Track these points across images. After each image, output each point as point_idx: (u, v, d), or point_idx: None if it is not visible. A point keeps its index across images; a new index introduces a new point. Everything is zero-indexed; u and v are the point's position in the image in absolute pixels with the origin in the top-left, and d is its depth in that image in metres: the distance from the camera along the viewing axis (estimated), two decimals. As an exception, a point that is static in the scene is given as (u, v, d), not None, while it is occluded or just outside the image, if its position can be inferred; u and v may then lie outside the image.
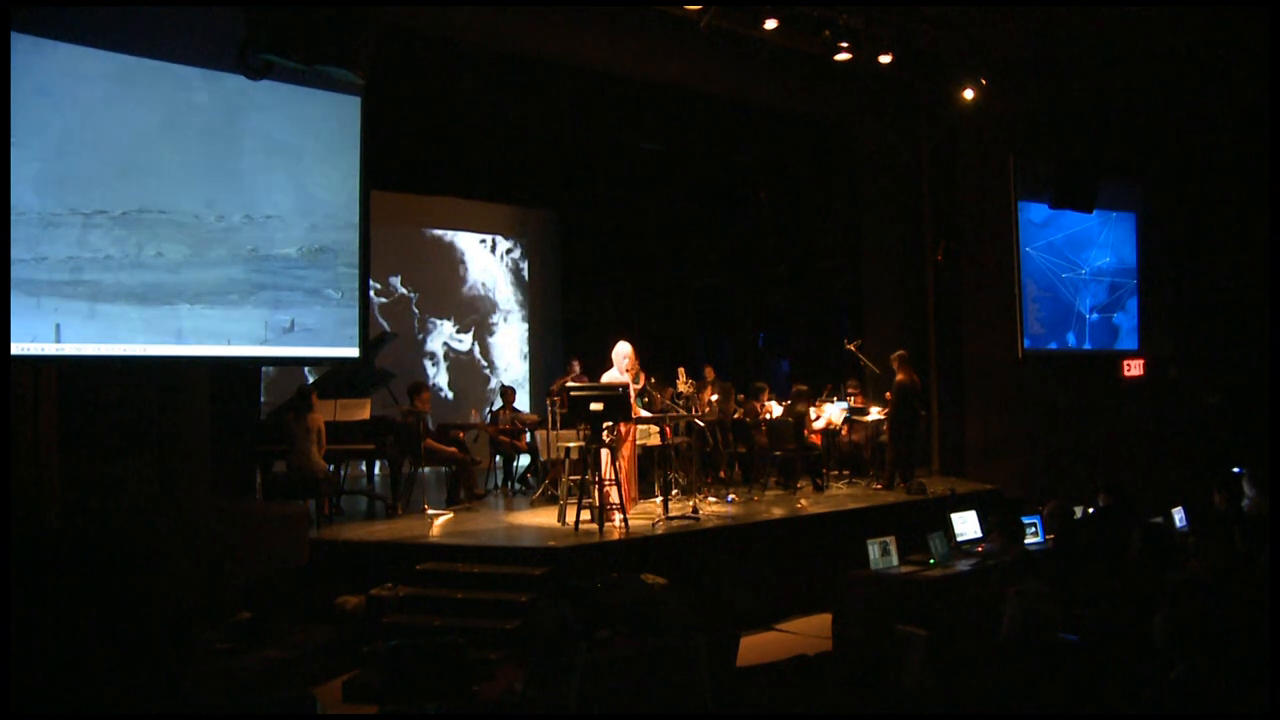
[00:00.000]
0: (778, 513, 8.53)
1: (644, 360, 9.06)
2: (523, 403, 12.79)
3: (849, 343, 10.81)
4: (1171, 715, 3.04)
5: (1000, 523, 6.43)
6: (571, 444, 8.20)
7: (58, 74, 6.20)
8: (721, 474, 10.04)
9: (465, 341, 14.15)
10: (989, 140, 10.81)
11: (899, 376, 9.70)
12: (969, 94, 10.05)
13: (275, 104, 7.06)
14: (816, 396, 10.75)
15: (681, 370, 10.11)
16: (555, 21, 8.95)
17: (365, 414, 8.94)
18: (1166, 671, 3.13)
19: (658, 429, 8.71)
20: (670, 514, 7.85)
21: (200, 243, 6.80)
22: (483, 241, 14.40)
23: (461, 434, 9.98)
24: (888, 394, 9.92)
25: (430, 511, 8.30)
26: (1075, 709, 3.23)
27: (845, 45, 9.12)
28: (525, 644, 6.08)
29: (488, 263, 14.45)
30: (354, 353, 7.71)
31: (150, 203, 6.59)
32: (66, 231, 6.23)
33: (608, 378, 8.00)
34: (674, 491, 8.97)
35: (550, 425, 8.94)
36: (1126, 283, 11.95)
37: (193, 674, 5.54)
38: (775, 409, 10.28)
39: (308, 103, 7.23)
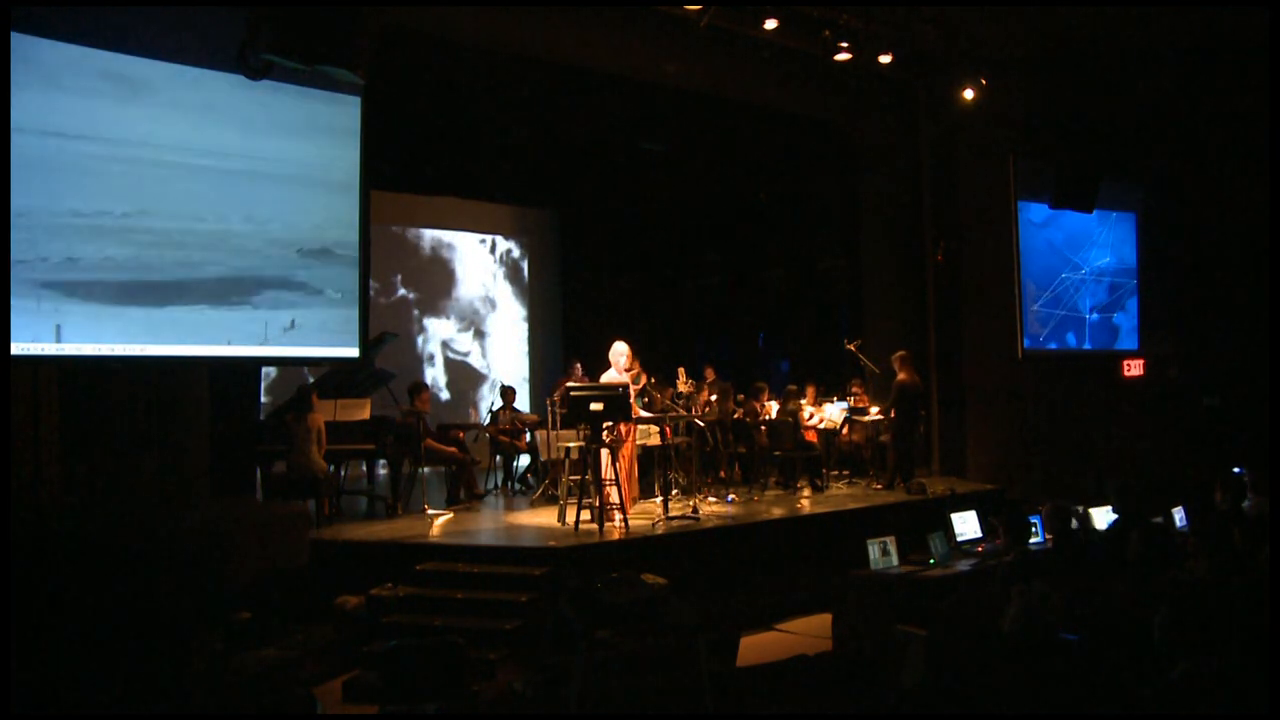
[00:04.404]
0: (778, 513, 8.53)
1: (644, 360, 9.06)
2: (523, 403, 12.79)
3: (849, 343, 10.81)
4: (1171, 715, 3.04)
5: (1006, 521, 6.41)
6: (571, 444, 8.20)
7: (58, 74, 6.20)
8: (721, 474, 10.04)
9: (465, 341, 14.14)
10: (989, 140, 10.79)
11: (900, 376, 9.70)
12: (969, 94, 10.05)
13: (275, 104, 7.06)
14: (823, 396, 10.77)
15: (681, 370, 10.11)
16: (555, 21, 8.95)
17: (365, 414, 8.93)
18: (1166, 671, 3.13)
19: (658, 429, 8.71)
20: (670, 514, 7.85)
21: (200, 243, 6.80)
22: (482, 241, 14.40)
23: (461, 434, 9.97)
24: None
25: (430, 511, 8.30)
26: (1075, 709, 3.23)
27: (845, 45, 9.12)
28: (525, 644, 6.08)
29: (487, 263, 14.44)
30: (354, 353, 7.71)
31: (150, 203, 6.59)
32: (67, 232, 6.23)
33: (606, 378, 8.00)
34: (674, 491, 8.97)
35: (550, 425, 8.94)
36: (1126, 283, 11.95)
37: (193, 674, 5.54)
38: (775, 409, 10.28)
39: (308, 103, 7.23)
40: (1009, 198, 10.74)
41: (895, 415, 9.75)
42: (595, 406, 7.26)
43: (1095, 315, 11.61)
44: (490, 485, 10.36)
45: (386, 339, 10.02)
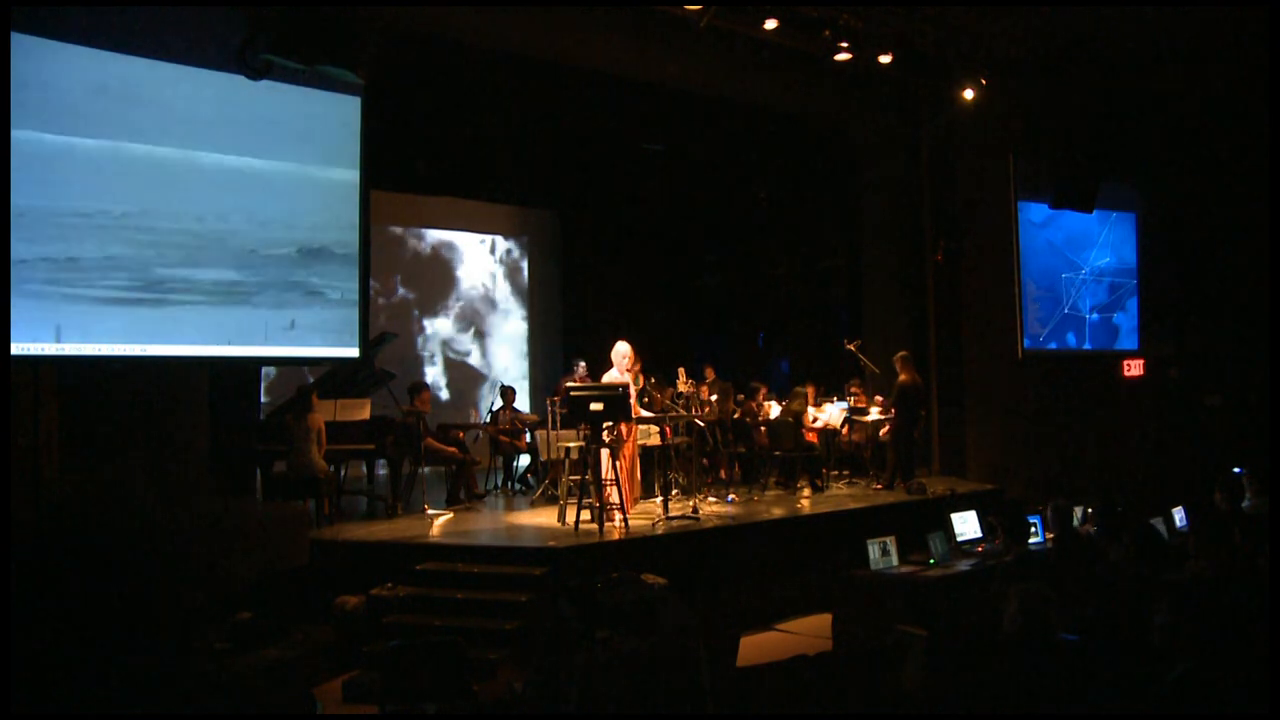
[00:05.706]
0: (778, 513, 8.53)
1: (644, 360, 9.05)
2: (523, 403, 12.79)
3: (849, 343, 10.81)
4: (1171, 715, 3.04)
5: (1005, 522, 6.41)
6: (571, 444, 8.19)
7: (58, 74, 6.21)
8: (722, 474, 10.04)
9: (465, 341, 14.14)
10: (989, 140, 10.79)
11: (901, 377, 9.70)
12: (969, 94, 10.04)
13: (275, 104, 7.06)
14: (823, 396, 10.77)
15: (681, 370, 10.11)
16: (555, 22, 8.95)
17: (365, 414, 8.93)
18: (1166, 671, 3.13)
19: (658, 429, 8.71)
20: (670, 514, 7.85)
21: (200, 243, 6.81)
22: (482, 241, 14.39)
23: (461, 434, 9.97)
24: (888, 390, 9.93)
25: (430, 511, 8.30)
26: (1075, 709, 3.23)
27: (845, 45, 9.11)
28: (525, 644, 6.08)
29: (487, 263, 14.44)
30: (354, 353, 7.71)
31: (150, 203, 6.59)
32: (67, 232, 6.24)
33: (608, 378, 8.00)
34: (674, 491, 8.97)
35: (550, 425, 8.94)
36: (1126, 283, 11.95)
37: (193, 674, 5.54)
38: (773, 409, 10.28)
39: (308, 103, 7.23)
40: (1009, 198, 10.74)
41: (895, 415, 9.75)
42: (595, 406, 7.25)
43: (1095, 315, 11.61)
44: (490, 485, 10.35)
45: (386, 339, 10.03)
